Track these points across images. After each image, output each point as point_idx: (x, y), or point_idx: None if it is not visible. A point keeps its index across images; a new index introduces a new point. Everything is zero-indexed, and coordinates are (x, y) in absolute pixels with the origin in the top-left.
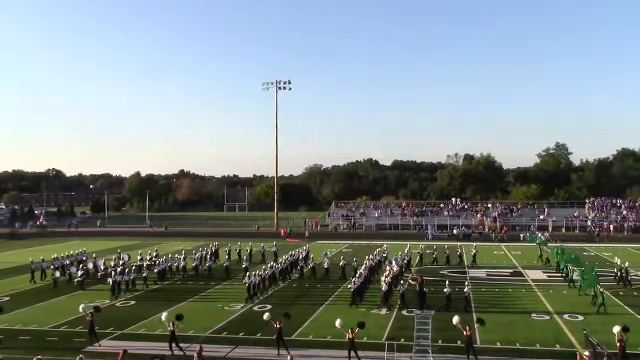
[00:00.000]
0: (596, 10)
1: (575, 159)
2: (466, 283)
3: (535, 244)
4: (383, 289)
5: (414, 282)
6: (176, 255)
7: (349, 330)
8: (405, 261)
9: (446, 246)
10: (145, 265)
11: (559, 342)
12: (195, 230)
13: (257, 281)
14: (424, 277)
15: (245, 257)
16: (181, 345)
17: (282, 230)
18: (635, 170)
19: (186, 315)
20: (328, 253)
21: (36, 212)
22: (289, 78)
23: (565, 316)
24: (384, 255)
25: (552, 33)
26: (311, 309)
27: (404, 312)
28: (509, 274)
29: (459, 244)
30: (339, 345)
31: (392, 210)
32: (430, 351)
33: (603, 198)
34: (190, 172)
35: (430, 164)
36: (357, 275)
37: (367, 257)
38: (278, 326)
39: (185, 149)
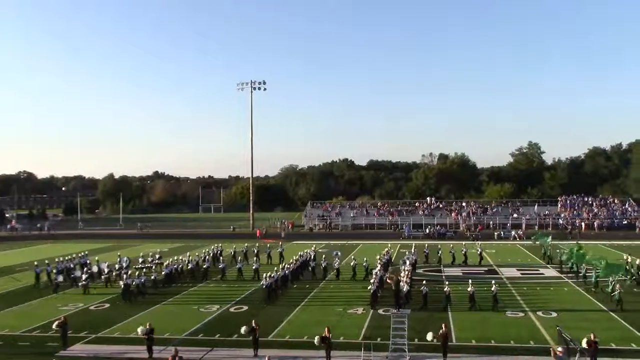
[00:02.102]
0: (570, 14)
1: (548, 158)
2: (493, 282)
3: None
4: (404, 289)
5: (390, 282)
6: (181, 258)
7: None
8: (413, 260)
9: (425, 245)
10: (153, 268)
11: (533, 339)
12: (171, 232)
13: (271, 282)
14: (400, 276)
15: (255, 259)
16: (157, 347)
17: (257, 231)
18: (605, 169)
19: (162, 318)
20: (339, 253)
21: (7, 215)
22: (263, 78)
23: (539, 313)
24: (390, 255)
25: (527, 36)
26: (288, 309)
27: (381, 312)
28: (484, 272)
29: (433, 242)
30: (316, 346)
31: (368, 210)
32: (406, 350)
33: (575, 196)
34: (165, 174)
35: (405, 164)
36: (374, 276)
37: (377, 257)
38: (255, 327)
39: (160, 150)
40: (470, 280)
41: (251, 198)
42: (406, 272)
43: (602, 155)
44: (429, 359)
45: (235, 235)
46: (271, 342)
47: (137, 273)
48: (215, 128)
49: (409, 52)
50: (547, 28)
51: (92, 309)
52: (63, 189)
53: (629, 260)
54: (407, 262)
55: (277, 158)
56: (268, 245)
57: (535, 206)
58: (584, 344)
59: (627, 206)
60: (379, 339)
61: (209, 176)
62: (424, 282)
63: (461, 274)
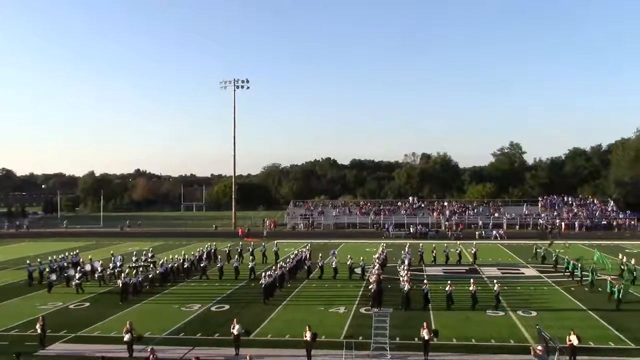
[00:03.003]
0: (554, 14)
1: (529, 158)
2: (495, 281)
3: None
4: (405, 289)
5: (371, 281)
6: (176, 256)
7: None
8: (409, 259)
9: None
10: (151, 267)
11: (513, 338)
12: (152, 230)
13: (271, 281)
14: (381, 275)
15: (250, 258)
16: (138, 347)
17: (240, 230)
18: (585, 169)
19: (142, 317)
20: (336, 252)
21: None
22: (246, 77)
23: (519, 312)
24: (385, 254)
25: (510, 35)
26: (270, 308)
27: (362, 310)
28: (465, 271)
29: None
30: (297, 345)
31: (350, 209)
32: (388, 348)
33: (555, 196)
34: (147, 172)
35: (388, 163)
36: (374, 275)
37: (375, 257)
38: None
39: (142, 148)
40: (472, 280)
41: (233, 197)
42: (406, 272)
43: (582, 156)
44: (410, 358)
45: (217, 234)
46: (253, 341)
47: (134, 272)
48: (198, 126)
49: (392, 51)
50: (530, 28)
51: (72, 308)
52: (43, 186)
53: (624, 260)
54: (406, 262)
55: (260, 157)
56: (263, 244)
57: (525, 206)
58: (575, 340)
59: (608, 207)
60: (360, 338)
61: (191, 174)
62: (425, 281)
63: (442, 273)
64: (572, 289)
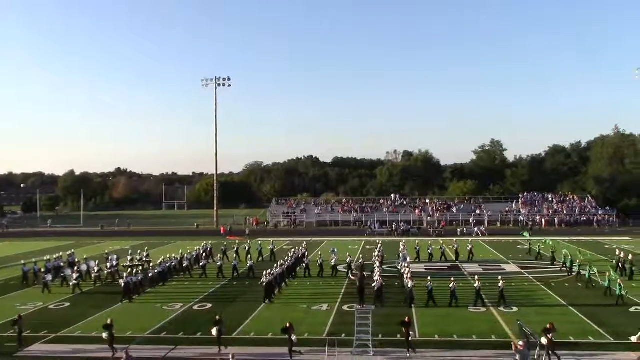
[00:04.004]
0: (526, 13)
1: (510, 156)
2: (499, 277)
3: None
4: (409, 286)
5: (354, 278)
6: (173, 255)
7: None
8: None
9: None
10: (151, 266)
11: (495, 333)
12: (134, 229)
13: (271, 280)
14: (364, 273)
15: (249, 256)
16: (118, 347)
17: (221, 228)
18: (565, 166)
19: (124, 316)
20: (336, 250)
21: None
22: (228, 74)
23: (501, 308)
24: (382, 251)
25: (491, 34)
26: (252, 306)
27: (345, 308)
28: (446, 268)
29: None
30: (280, 343)
31: (333, 207)
32: (370, 345)
33: (535, 193)
34: (127, 170)
35: (370, 161)
36: (378, 273)
37: (374, 254)
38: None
39: (122, 146)
40: (476, 276)
41: (215, 195)
42: (407, 269)
43: (562, 153)
44: (393, 355)
45: (199, 233)
46: (235, 340)
47: (134, 271)
48: (179, 124)
49: (374, 50)
50: (511, 26)
51: (52, 308)
52: (22, 185)
53: (622, 255)
54: (407, 259)
55: (242, 155)
56: (260, 242)
57: (514, 203)
58: (543, 341)
59: (586, 202)
60: (343, 335)
61: (173, 173)
62: (429, 278)
63: (424, 269)
64: (553, 284)
